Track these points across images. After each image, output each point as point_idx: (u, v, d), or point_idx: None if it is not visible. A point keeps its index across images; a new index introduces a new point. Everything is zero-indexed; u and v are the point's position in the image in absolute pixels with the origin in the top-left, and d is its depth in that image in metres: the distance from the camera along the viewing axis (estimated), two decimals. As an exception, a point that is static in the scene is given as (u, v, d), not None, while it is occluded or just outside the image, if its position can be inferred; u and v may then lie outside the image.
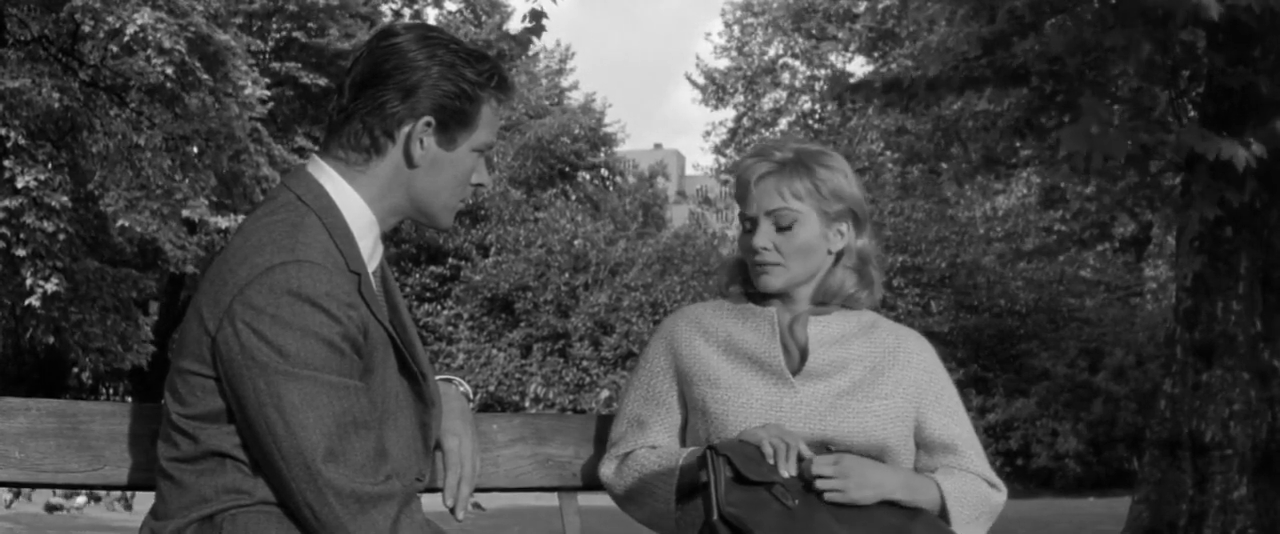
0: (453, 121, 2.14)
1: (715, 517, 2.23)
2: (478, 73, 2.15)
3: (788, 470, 2.29)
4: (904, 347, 2.52)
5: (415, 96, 2.12)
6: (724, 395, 2.47)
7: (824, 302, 2.52)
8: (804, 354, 2.48)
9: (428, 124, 2.13)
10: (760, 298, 2.54)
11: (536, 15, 8.37)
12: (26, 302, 16.78)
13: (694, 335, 2.53)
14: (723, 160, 33.68)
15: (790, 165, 2.47)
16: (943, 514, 2.42)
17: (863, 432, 2.42)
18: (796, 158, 2.48)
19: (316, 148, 2.23)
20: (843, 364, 2.47)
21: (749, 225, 2.49)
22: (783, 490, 2.27)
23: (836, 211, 2.48)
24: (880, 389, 2.46)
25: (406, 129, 2.13)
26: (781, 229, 2.46)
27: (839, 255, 2.52)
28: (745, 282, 2.56)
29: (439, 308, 24.33)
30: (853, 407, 2.43)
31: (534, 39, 8.49)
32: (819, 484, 2.29)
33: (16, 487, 2.39)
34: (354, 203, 2.14)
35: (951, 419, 2.52)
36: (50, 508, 13.39)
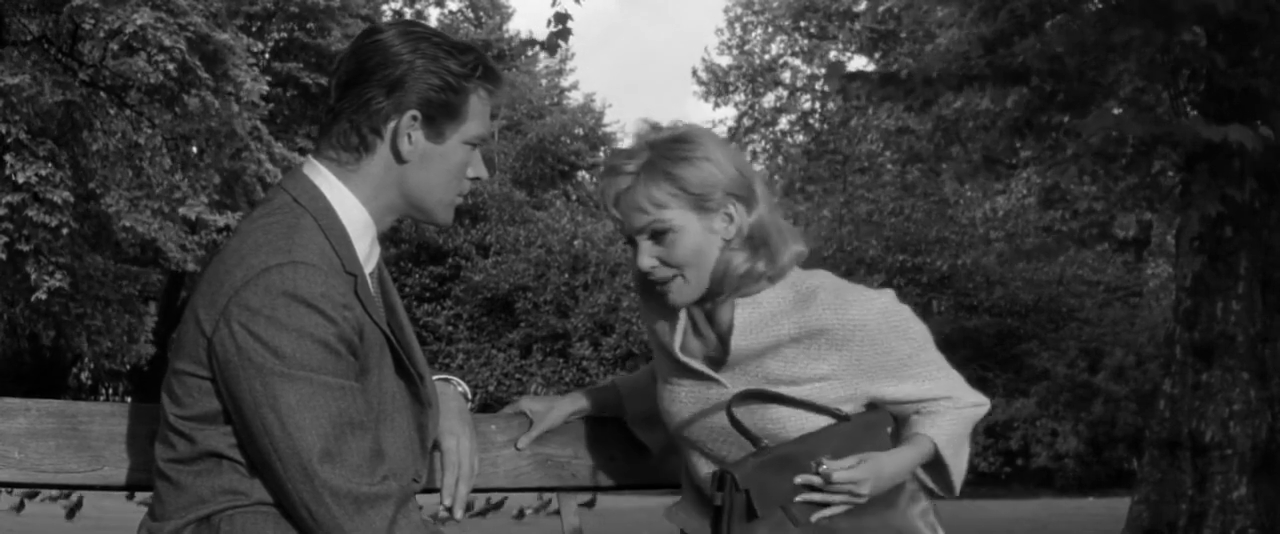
0: (440, 114, 2.12)
1: None
2: (462, 64, 2.13)
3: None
4: (844, 320, 2.28)
5: (400, 91, 2.10)
6: (662, 389, 2.45)
7: (719, 291, 2.32)
8: (724, 342, 2.34)
9: (414, 118, 2.11)
10: None
11: (562, 18, 8.33)
12: (33, 296, 16.81)
13: (649, 330, 2.51)
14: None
15: (646, 171, 2.26)
16: (936, 457, 2.38)
17: (798, 419, 2.31)
18: (651, 160, 2.27)
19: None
20: (773, 346, 2.31)
21: (632, 245, 2.32)
22: (792, 511, 2.26)
23: (716, 201, 2.27)
24: (815, 370, 2.30)
25: (392, 124, 2.11)
26: (660, 241, 2.28)
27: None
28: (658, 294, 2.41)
29: (438, 308, 24.33)
30: (783, 392, 2.30)
31: (561, 42, 8.43)
32: (835, 497, 2.26)
33: (16, 487, 2.37)
34: (349, 203, 2.13)
35: (914, 380, 2.35)
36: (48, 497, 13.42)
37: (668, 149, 2.28)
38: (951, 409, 2.39)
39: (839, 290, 2.32)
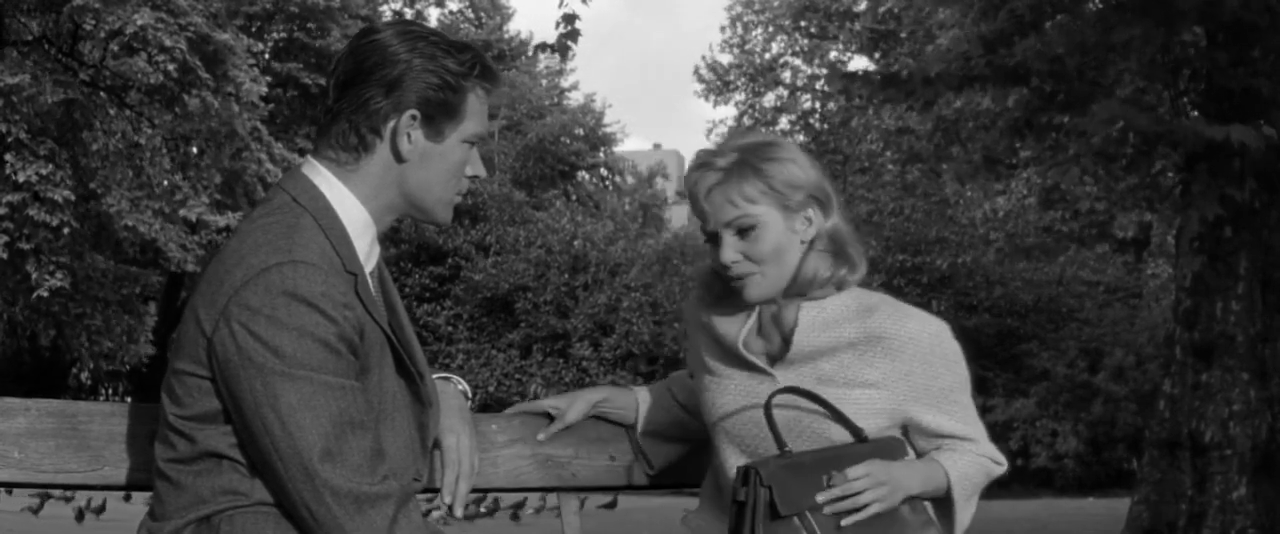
0: (439, 113, 2.13)
1: None
2: (460, 63, 2.14)
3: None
4: (900, 331, 2.37)
5: (399, 91, 2.10)
6: (707, 383, 2.48)
7: (801, 292, 2.39)
8: (787, 341, 2.40)
9: (413, 118, 2.12)
10: None
11: (570, 19, 8.31)
12: (34, 295, 16.81)
13: (694, 325, 2.55)
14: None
15: (737, 168, 2.35)
16: (947, 494, 2.41)
17: (833, 431, 2.36)
18: (741, 158, 2.36)
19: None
20: (830, 349, 2.38)
21: (712, 240, 2.40)
22: (810, 520, 2.27)
23: (798, 201, 2.37)
24: (865, 375, 2.36)
25: (392, 124, 2.12)
26: (744, 236, 2.36)
27: (812, 243, 2.40)
28: (724, 289, 2.47)
29: (438, 308, 24.32)
30: (830, 394, 2.35)
31: (570, 45, 8.39)
32: (862, 499, 2.28)
33: (16, 487, 2.38)
34: (349, 203, 2.13)
35: (948, 415, 2.42)
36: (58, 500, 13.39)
37: (756, 149, 2.39)
38: (973, 451, 2.44)
39: (899, 306, 2.42)
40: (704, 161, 2.39)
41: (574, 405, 2.62)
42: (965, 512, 2.44)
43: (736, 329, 2.44)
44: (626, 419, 2.65)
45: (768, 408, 2.31)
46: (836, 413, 2.34)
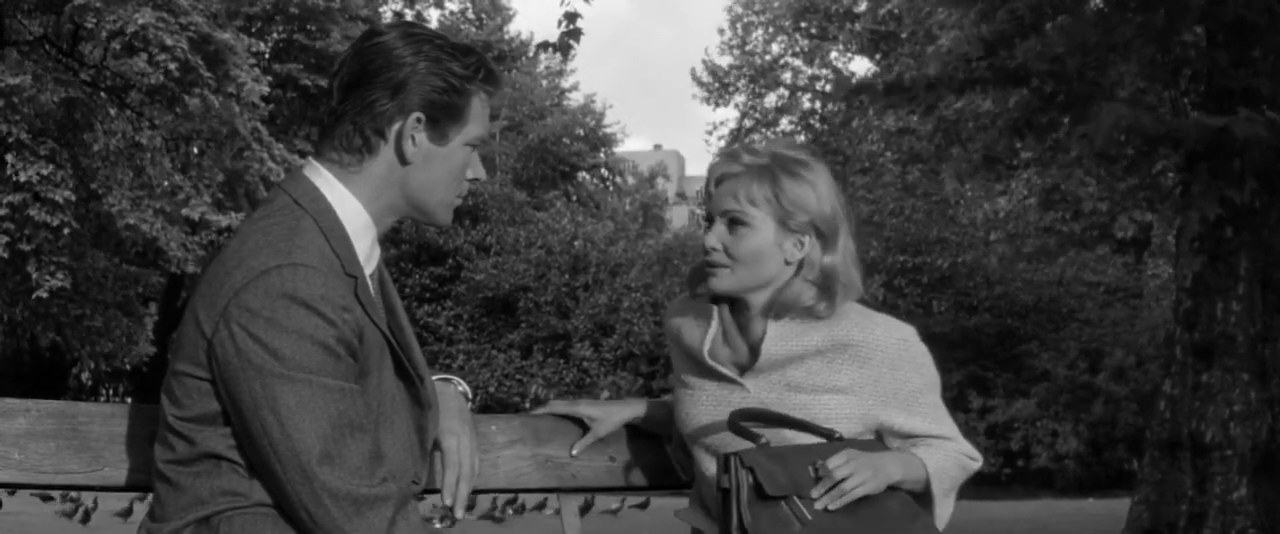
0: (443, 116, 2.14)
1: (733, 526, 2.25)
2: (464, 66, 2.15)
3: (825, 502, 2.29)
4: (868, 339, 2.41)
5: (404, 93, 2.11)
6: (681, 393, 2.51)
7: (778, 314, 2.42)
8: (755, 351, 2.43)
9: (418, 120, 2.12)
10: (721, 298, 2.50)
11: (572, 17, 8.30)
12: (35, 294, 16.80)
13: (671, 333, 2.58)
14: (723, 160, 33.51)
15: (756, 170, 2.40)
16: (926, 488, 2.42)
17: (804, 440, 2.36)
18: (767, 164, 2.41)
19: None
20: (798, 356, 2.40)
21: (709, 222, 2.45)
22: (798, 505, 2.28)
23: (798, 223, 2.40)
24: (834, 381, 2.39)
25: (397, 126, 2.12)
26: (732, 230, 2.40)
27: (800, 267, 2.42)
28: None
29: (439, 309, 24.31)
30: (799, 400, 2.38)
31: (572, 44, 8.38)
32: (847, 484, 2.28)
33: (16, 488, 2.39)
34: (350, 205, 2.14)
35: (919, 416, 2.44)
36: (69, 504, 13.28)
37: (785, 162, 2.42)
38: (950, 446, 2.46)
39: (867, 313, 2.45)
40: (733, 153, 2.45)
41: (610, 418, 2.65)
42: (945, 506, 2.45)
43: (700, 337, 2.47)
44: (662, 432, 2.67)
45: (732, 425, 2.33)
46: (801, 422, 2.35)
